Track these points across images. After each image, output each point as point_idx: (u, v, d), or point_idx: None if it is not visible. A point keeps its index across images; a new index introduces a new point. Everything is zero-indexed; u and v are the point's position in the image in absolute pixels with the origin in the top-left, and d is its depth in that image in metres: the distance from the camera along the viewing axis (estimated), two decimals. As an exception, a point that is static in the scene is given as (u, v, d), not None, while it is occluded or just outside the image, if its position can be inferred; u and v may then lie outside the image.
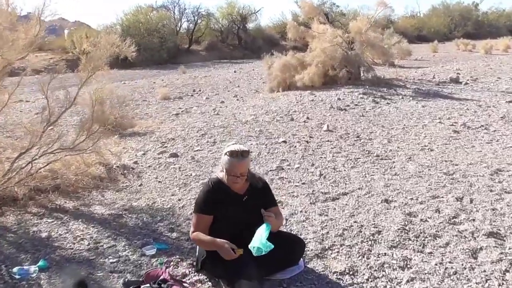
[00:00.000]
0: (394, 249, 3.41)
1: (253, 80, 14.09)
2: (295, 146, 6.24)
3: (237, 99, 10.58)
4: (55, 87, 4.47)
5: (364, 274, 3.06)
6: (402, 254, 3.32)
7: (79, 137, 4.22)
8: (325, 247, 3.45)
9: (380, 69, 13.33)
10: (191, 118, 8.36)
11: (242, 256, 2.80)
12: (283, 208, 4.22)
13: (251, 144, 6.35)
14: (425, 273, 3.07)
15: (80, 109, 7.00)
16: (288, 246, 2.99)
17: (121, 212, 4.24)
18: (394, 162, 5.54)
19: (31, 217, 4.17)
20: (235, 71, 16.90)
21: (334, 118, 7.88)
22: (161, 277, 2.65)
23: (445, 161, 5.52)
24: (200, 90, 12.42)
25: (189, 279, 3.03)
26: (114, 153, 5.87)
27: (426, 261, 3.22)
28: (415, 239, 3.55)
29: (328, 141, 6.52)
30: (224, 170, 2.98)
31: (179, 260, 3.31)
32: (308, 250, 3.39)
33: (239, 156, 2.91)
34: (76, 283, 2.52)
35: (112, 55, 4.55)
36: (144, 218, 4.10)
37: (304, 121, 7.68)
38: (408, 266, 3.17)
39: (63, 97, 4.49)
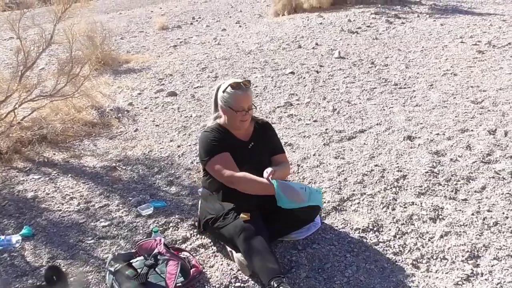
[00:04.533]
0: (422, 196, 2.99)
1: (256, 3, 13.06)
2: (304, 78, 5.66)
3: (240, 26, 9.78)
4: (27, 25, 3.90)
5: (390, 230, 2.66)
6: (432, 203, 2.90)
7: (59, 82, 3.70)
8: (343, 197, 3.04)
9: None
10: (190, 50, 7.70)
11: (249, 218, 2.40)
12: (294, 151, 3.78)
13: (256, 77, 5.78)
14: (461, 225, 2.66)
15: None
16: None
17: (114, 164, 3.83)
18: (414, 91, 4.98)
19: (17, 174, 3.79)
20: (236, -6, 15.75)
21: (345, 43, 7.17)
22: (155, 250, 2.26)
23: (471, 86, 4.95)
24: (200, 17, 11.54)
25: (190, 244, 2.67)
26: (107, 95, 5.37)
27: (460, 210, 2.81)
28: (446, 183, 3.12)
29: (340, 69, 5.90)
30: (227, 110, 2.52)
31: (178, 220, 2.94)
32: (325, 202, 2.98)
33: (242, 87, 2.49)
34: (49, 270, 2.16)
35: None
36: (140, 170, 3.70)
37: (313, 48, 6.99)
38: (441, 217, 2.76)
39: (37, 37, 3.92)
